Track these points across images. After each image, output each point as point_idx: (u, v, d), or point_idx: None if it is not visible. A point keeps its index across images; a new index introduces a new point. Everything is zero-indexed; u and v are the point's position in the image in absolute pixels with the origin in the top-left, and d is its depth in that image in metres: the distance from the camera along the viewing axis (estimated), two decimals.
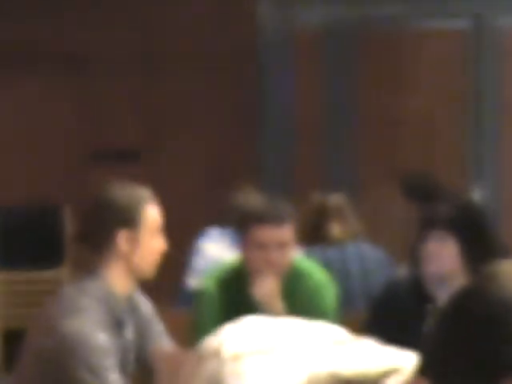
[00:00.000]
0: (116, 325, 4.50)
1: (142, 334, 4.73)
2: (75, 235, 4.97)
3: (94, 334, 4.35)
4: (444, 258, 4.93)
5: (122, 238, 4.41)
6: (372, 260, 6.75)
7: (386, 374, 2.32)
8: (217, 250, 7.08)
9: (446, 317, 1.86)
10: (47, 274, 8.98)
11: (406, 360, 2.23)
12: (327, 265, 5.99)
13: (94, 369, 4.36)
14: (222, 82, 9.56)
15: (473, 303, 1.80)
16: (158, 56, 9.60)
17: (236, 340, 2.32)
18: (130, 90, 9.60)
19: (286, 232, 5.16)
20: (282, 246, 5.20)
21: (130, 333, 4.61)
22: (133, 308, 4.64)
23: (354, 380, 2.29)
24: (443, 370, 1.82)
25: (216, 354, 2.31)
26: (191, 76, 9.48)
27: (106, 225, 4.48)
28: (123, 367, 4.54)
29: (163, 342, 4.89)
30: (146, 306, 4.77)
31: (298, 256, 5.62)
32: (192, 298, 5.93)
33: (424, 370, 1.86)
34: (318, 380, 2.24)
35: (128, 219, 4.47)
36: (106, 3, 9.53)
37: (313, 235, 6.55)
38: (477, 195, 9.72)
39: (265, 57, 9.75)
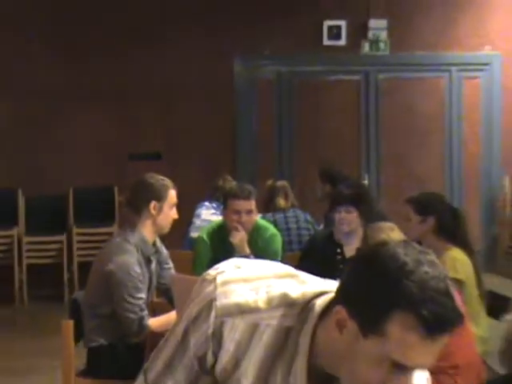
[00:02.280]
0: (146, 261, 4.97)
1: (161, 267, 5.20)
2: (123, 204, 5.70)
3: (132, 266, 4.80)
4: (350, 221, 5.37)
5: (152, 207, 4.93)
6: (303, 221, 7.10)
7: (321, 293, 1.97)
8: (208, 215, 7.45)
9: (355, 265, 1.89)
10: (104, 229, 9.11)
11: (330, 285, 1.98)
12: (276, 224, 6.63)
13: (129, 288, 4.77)
14: (212, 111, 10.33)
15: (373, 257, 1.84)
16: (171, 90, 10.16)
17: (229, 270, 2.04)
18: (153, 113, 10.18)
19: (251, 204, 5.75)
20: (249, 212, 5.74)
21: (154, 266, 5.07)
22: (156, 250, 5.11)
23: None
24: (353, 301, 1.83)
25: (213, 278, 2.01)
26: (193, 105, 10.23)
27: (144, 198, 4.97)
28: (149, 287, 5.02)
29: (172, 272, 5.25)
30: (163, 249, 5.26)
31: (258, 218, 6.18)
32: (192, 244, 6.46)
33: (340, 299, 1.87)
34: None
35: (158, 196, 4.95)
36: (131, 55, 10.01)
37: (267, 206, 7.26)
38: (366, 180, 10.63)
39: (238, 94, 10.63)
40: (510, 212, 11.26)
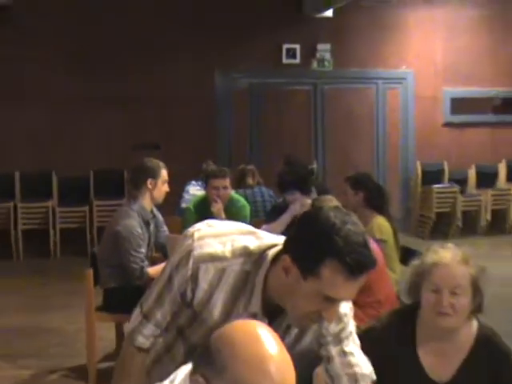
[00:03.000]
0: (145, 224, 4.97)
1: (158, 229, 5.22)
2: (128, 181, 5.81)
3: (135, 227, 4.82)
4: (295, 199, 5.38)
5: (149, 183, 4.92)
6: (266, 195, 7.04)
7: (273, 245, 1.97)
8: (194, 191, 7.29)
9: (298, 224, 1.89)
10: (116, 201, 8.49)
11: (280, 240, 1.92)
12: (246, 197, 6.52)
13: (132, 244, 4.78)
14: (198, 113, 10.25)
15: (311, 219, 1.85)
16: (166, 97, 10.04)
17: (204, 228, 2.03)
18: (153, 114, 10.07)
19: (226, 181, 5.77)
20: (225, 188, 5.75)
21: (152, 228, 5.06)
22: (153, 216, 5.09)
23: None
24: (296, 251, 1.83)
25: (192, 234, 2.01)
26: (184, 108, 10.13)
27: (142, 176, 4.95)
28: (149, 244, 5.02)
29: (167, 233, 5.32)
30: (159, 216, 5.29)
31: (232, 193, 6.09)
32: (182, 213, 6.27)
33: (286, 250, 1.87)
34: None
35: (153, 174, 4.94)
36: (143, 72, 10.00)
37: (239, 184, 7.11)
38: (315, 165, 10.32)
39: (218, 100, 10.57)
40: (420, 189, 11.41)
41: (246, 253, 1.98)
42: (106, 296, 4.98)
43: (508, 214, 11.26)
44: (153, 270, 4.76)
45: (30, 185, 9.82)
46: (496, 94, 11.81)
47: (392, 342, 2.49)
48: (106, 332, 5.23)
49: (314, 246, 1.80)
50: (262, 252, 1.97)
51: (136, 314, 2.13)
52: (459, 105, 11.61)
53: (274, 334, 1.56)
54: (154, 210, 5.15)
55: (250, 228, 2.11)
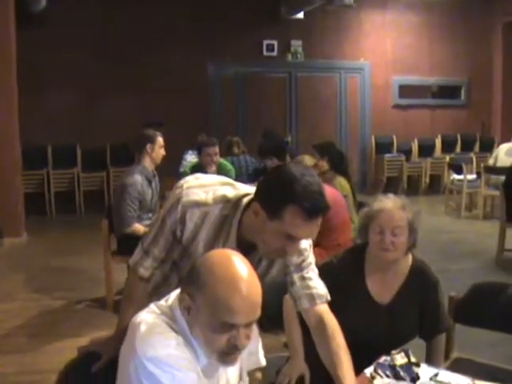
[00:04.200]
0: (148, 182, 4.90)
1: (157, 185, 5.04)
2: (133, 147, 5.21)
3: (137, 184, 4.79)
4: (277, 161, 5.38)
5: (148, 148, 4.90)
6: (250, 162, 6.99)
7: (247, 194, 1.96)
8: (191, 158, 7.28)
9: (265, 176, 1.89)
10: (127, 168, 8.73)
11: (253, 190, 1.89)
12: (232, 164, 6.54)
13: (131, 196, 4.74)
14: (195, 97, 10.13)
15: (276, 172, 1.85)
16: (170, 83, 9.95)
17: (191, 180, 2.01)
18: (159, 98, 9.87)
19: (217, 149, 5.83)
20: (216, 154, 5.81)
21: (154, 185, 4.98)
22: (153, 175, 5.00)
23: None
24: (263, 198, 1.83)
25: (181, 185, 1.99)
26: (183, 93, 10.00)
27: (142, 142, 4.92)
28: (152, 198, 4.95)
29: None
30: (157, 176, 5.07)
31: (221, 160, 6.12)
32: (180, 176, 5.82)
33: (256, 197, 1.87)
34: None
35: (151, 140, 4.91)
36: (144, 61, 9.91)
37: (227, 152, 7.01)
38: (290, 137, 10.48)
39: (211, 87, 10.46)
40: (374, 158, 11.46)
41: (225, 200, 1.98)
42: (119, 242, 4.96)
43: (442, 178, 11.29)
44: (139, 226, 4.73)
45: (59, 155, 9.79)
46: (434, 83, 11.96)
47: (345, 273, 2.51)
48: (120, 271, 5.11)
49: (277, 193, 1.79)
50: (238, 199, 1.97)
51: (137, 250, 2.12)
52: (405, 90, 11.71)
53: (246, 260, 1.59)
54: (155, 172, 5.08)
55: (230, 180, 2.10)
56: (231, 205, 1.97)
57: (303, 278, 2.09)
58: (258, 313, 1.55)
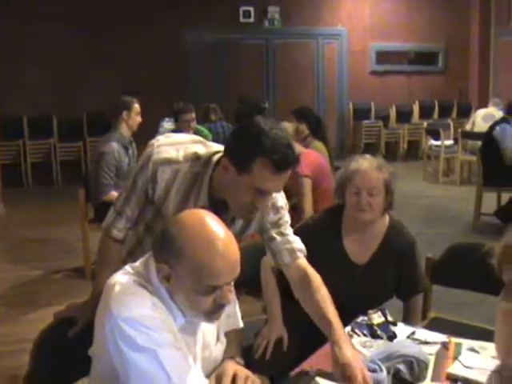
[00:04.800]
0: (125, 149, 4.89)
1: (134, 152, 4.97)
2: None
3: (114, 151, 4.75)
4: None
5: (125, 115, 4.91)
6: (227, 128, 6.90)
7: (217, 152, 1.95)
8: (168, 125, 7.02)
9: (233, 131, 1.90)
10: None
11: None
12: (210, 130, 6.58)
13: (108, 163, 4.72)
14: (173, 64, 10.06)
15: (244, 127, 1.82)
16: (148, 52, 9.86)
17: (162, 139, 2.01)
18: (137, 66, 9.79)
19: (193, 115, 5.85)
20: (192, 120, 5.82)
21: (130, 152, 4.94)
22: (130, 142, 4.99)
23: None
24: (232, 153, 1.81)
25: (152, 144, 1.96)
26: (162, 60, 9.96)
27: (119, 109, 4.93)
28: (129, 164, 4.86)
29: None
30: (134, 144, 5.02)
31: (198, 126, 6.21)
32: None
33: (225, 153, 1.86)
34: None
35: (128, 107, 4.92)
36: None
37: (205, 119, 7.02)
38: (267, 104, 9.62)
39: (189, 53, 10.34)
40: (352, 124, 11.51)
41: (195, 157, 1.96)
42: (96, 210, 4.93)
43: (420, 143, 11.38)
44: (116, 194, 4.68)
45: (35, 126, 9.68)
46: (411, 49, 11.96)
47: (322, 234, 2.49)
48: (98, 240, 5.09)
49: (246, 146, 1.77)
50: (209, 157, 1.96)
51: (110, 212, 2.10)
52: (382, 57, 11.73)
53: (218, 218, 1.57)
54: (131, 140, 5.05)
55: (200, 139, 2.08)
56: (202, 162, 1.95)
57: (282, 234, 2.09)
58: (239, 269, 1.55)
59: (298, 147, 3.50)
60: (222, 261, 1.49)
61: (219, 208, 1.90)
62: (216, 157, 1.94)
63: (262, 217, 2.05)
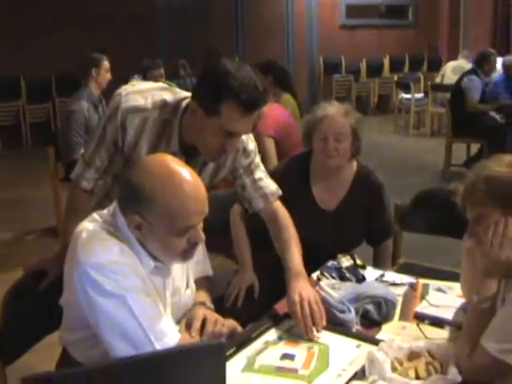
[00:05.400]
0: (94, 107, 4.88)
1: (103, 110, 4.80)
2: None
3: (83, 110, 4.76)
4: None
5: (94, 72, 4.90)
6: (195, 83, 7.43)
7: (186, 97, 1.93)
8: (137, 82, 6.60)
9: (202, 74, 1.87)
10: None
11: None
12: (179, 85, 6.05)
13: (77, 122, 4.70)
14: (140, 21, 9.69)
15: (211, 69, 1.82)
16: (115, 11, 9.61)
17: (129, 88, 1.98)
18: (103, 24, 9.44)
19: (161, 71, 5.92)
20: (161, 76, 5.87)
21: (100, 111, 4.88)
22: (100, 100, 4.96)
23: None
24: (200, 96, 1.81)
25: (119, 93, 1.95)
26: (128, 18, 9.63)
27: (88, 66, 4.92)
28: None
29: None
30: (104, 101, 4.91)
31: (168, 81, 5.96)
32: None
33: (193, 97, 1.85)
34: None
35: (97, 64, 4.93)
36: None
37: (173, 74, 7.07)
38: (237, 57, 9.99)
39: (155, 11, 10.17)
40: (323, 79, 11.46)
41: (164, 104, 1.95)
42: (66, 169, 4.88)
43: (391, 97, 11.40)
44: None
45: (2, 88, 9.40)
46: (381, 2, 11.96)
47: (291, 181, 2.49)
48: None
49: (213, 89, 1.76)
50: (177, 103, 1.95)
51: (79, 163, 2.09)
52: (353, 10, 11.64)
53: (182, 162, 1.59)
54: (101, 97, 4.99)
55: (167, 86, 2.07)
56: (171, 108, 1.94)
57: (254, 181, 2.13)
58: (207, 206, 1.57)
59: None
60: (193, 201, 1.52)
61: (190, 153, 1.93)
62: (184, 102, 1.94)
63: (232, 161, 2.08)
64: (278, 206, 2.14)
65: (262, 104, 1.80)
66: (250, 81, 1.76)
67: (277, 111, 4.11)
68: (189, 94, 1.94)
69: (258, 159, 2.15)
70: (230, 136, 1.82)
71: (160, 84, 2.08)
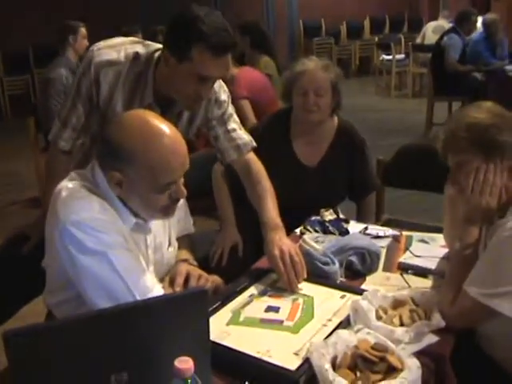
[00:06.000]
0: (72, 73, 4.69)
1: None
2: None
3: (62, 75, 4.72)
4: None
5: (71, 38, 4.91)
6: None
7: (158, 49, 1.94)
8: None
9: (170, 21, 1.80)
10: None
11: None
12: None
13: (56, 90, 4.66)
14: None
15: (180, 15, 1.77)
16: None
17: (101, 43, 1.97)
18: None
19: (140, 36, 5.48)
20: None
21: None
22: (77, 65, 4.64)
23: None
24: (170, 44, 1.79)
25: (92, 49, 1.96)
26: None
27: (65, 33, 4.93)
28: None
29: None
30: None
31: None
32: None
33: (164, 46, 1.83)
34: None
35: (74, 31, 4.93)
36: None
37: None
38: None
39: None
40: (303, 42, 11.43)
41: (137, 57, 1.94)
42: (47, 138, 4.79)
43: (372, 59, 11.39)
44: None
45: None
46: None
47: (271, 138, 2.47)
48: None
49: (183, 34, 1.75)
50: (150, 55, 1.94)
51: (55, 124, 2.05)
52: None
53: (161, 118, 1.57)
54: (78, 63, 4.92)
55: (139, 39, 2.05)
56: (143, 61, 1.93)
57: (227, 131, 2.12)
58: (188, 161, 1.57)
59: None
60: (174, 156, 1.51)
61: (165, 104, 1.92)
62: (157, 54, 1.93)
63: (205, 110, 2.07)
64: (251, 157, 2.13)
65: (232, 47, 1.78)
66: (219, 24, 1.75)
67: (248, 73, 4.09)
68: (161, 46, 1.92)
69: (231, 110, 2.14)
70: (204, 81, 1.81)
71: (132, 38, 2.06)
